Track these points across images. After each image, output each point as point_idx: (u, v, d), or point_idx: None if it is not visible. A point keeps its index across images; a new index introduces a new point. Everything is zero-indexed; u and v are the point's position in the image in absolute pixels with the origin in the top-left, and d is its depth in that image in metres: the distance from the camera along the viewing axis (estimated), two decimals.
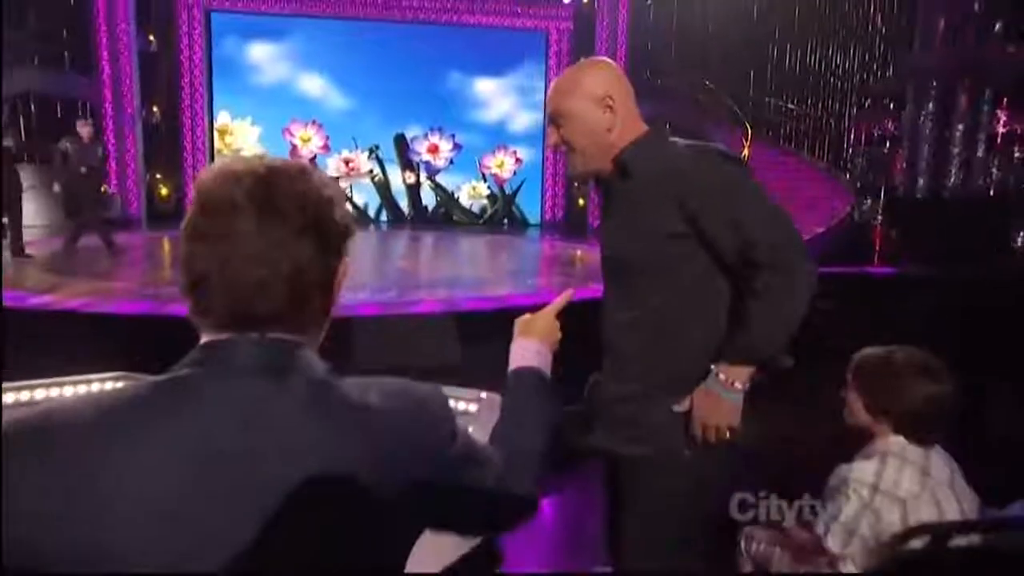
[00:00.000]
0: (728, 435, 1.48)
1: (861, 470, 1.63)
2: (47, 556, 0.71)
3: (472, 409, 1.87)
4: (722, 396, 1.46)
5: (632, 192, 1.52)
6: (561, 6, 11.87)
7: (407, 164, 12.36)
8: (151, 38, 10.84)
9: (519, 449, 0.97)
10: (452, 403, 1.85)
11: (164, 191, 10.88)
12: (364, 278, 6.77)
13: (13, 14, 9.58)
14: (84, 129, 7.27)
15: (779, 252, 1.39)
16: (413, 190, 12.48)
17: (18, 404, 1.83)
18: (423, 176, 12.44)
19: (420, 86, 12.00)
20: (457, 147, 12.43)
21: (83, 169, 7.13)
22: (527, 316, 1.21)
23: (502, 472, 0.92)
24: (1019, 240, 8.25)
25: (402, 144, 12.31)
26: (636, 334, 1.55)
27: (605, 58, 1.65)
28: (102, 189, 7.76)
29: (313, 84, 11.95)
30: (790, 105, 10.53)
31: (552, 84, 1.57)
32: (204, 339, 0.80)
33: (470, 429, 1.76)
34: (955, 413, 1.65)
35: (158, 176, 10.95)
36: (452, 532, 0.95)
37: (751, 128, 9.69)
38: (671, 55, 11.02)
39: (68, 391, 1.91)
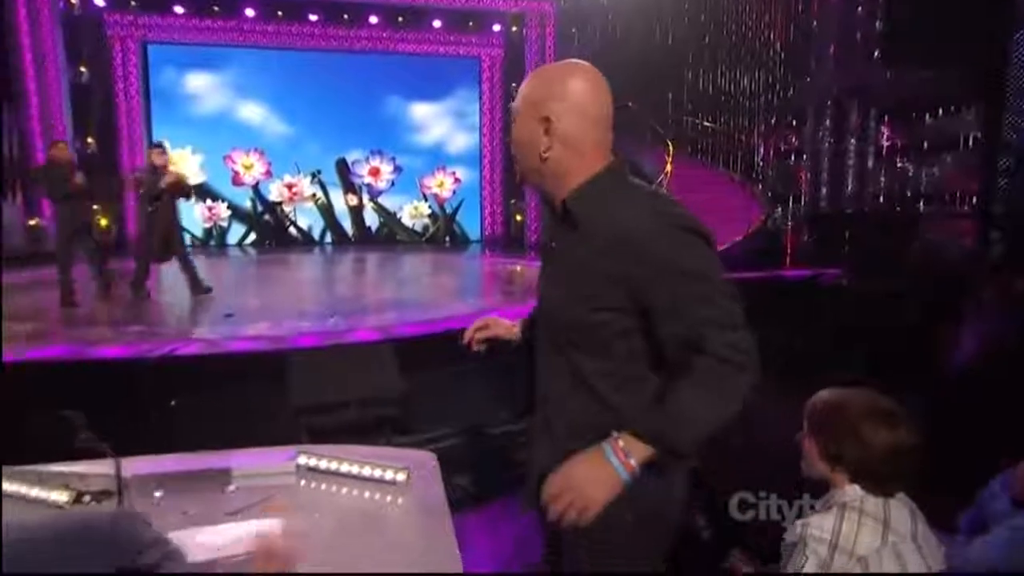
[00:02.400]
0: (580, 520, 1.08)
1: (818, 527, 1.44)
2: None
3: (400, 479, 1.52)
4: (610, 464, 1.09)
5: (574, 247, 1.20)
6: (492, 34, 11.63)
7: (349, 187, 11.88)
8: (82, 69, 9.96)
9: None
10: (380, 472, 1.52)
11: (103, 222, 10.02)
12: (305, 304, 6.31)
13: None
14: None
15: (733, 348, 1.09)
16: (356, 212, 11.99)
17: None
18: (366, 198, 11.98)
19: (360, 112, 11.56)
20: (398, 169, 12.02)
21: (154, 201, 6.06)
22: None
23: None
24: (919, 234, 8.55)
25: (344, 168, 11.82)
26: (571, 398, 1.25)
27: (589, 67, 1.25)
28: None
29: (253, 112, 11.34)
30: (706, 123, 10.58)
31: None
32: None
33: (399, 500, 1.43)
34: (917, 464, 1.43)
35: (95, 207, 10.07)
36: None
37: (672, 145, 9.65)
38: (605, 75, 10.97)
39: None
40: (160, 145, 6.73)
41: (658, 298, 1.12)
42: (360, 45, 11.27)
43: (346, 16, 10.99)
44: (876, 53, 9.81)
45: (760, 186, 10.15)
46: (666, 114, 10.66)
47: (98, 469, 1.42)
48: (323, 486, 1.55)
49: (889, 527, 1.42)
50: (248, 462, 1.57)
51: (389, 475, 1.53)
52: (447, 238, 12.31)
